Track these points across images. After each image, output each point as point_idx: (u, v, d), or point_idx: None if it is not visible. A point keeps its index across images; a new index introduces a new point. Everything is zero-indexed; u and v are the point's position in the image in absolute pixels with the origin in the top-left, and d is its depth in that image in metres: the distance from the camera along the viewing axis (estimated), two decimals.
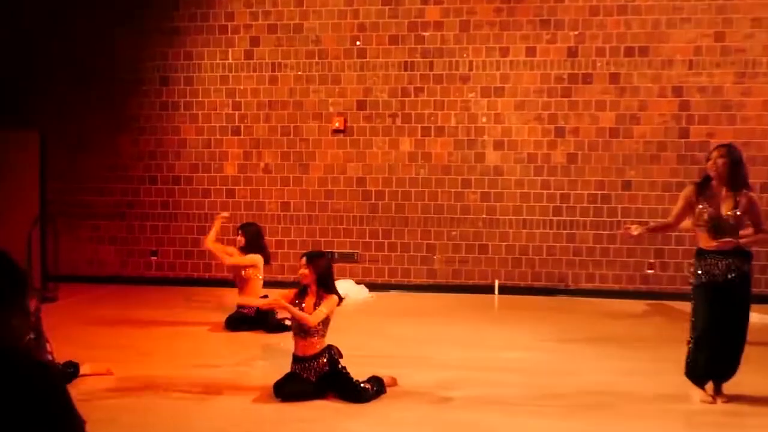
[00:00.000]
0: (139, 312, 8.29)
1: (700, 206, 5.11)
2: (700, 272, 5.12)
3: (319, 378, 5.25)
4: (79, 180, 10.24)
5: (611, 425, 4.80)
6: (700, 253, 5.16)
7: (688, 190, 5.24)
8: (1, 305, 1.91)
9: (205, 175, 10.01)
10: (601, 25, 9.22)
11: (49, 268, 9.74)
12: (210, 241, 7.73)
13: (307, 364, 5.26)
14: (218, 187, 10.00)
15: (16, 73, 10.15)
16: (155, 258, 10.16)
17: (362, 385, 5.23)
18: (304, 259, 5.46)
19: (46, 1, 10.16)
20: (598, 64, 9.25)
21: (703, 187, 5.16)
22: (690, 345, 5.20)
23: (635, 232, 5.49)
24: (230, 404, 5.16)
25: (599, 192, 9.30)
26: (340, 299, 5.49)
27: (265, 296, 7.33)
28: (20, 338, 1.98)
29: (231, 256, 7.67)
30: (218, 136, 9.98)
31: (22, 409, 1.85)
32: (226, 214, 8.17)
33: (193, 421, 4.80)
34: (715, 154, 5.13)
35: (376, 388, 5.29)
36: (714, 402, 5.16)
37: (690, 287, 5.30)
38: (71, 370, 5.52)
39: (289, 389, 5.19)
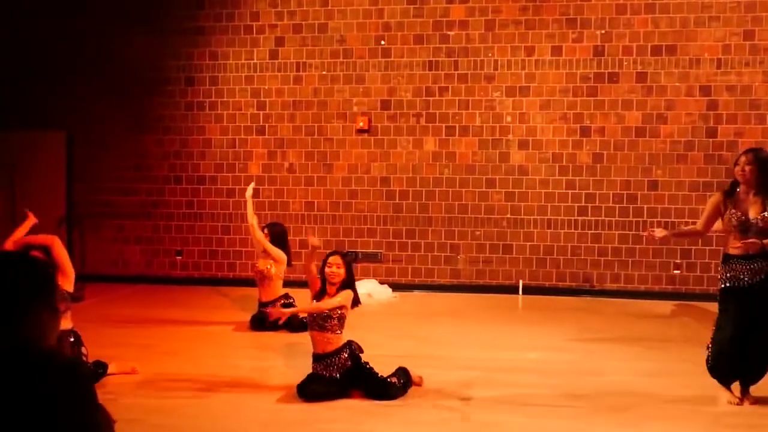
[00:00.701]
0: (164, 312, 8.34)
1: (730, 211, 5.09)
2: (726, 276, 5.09)
3: (342, 374, 5.23)
4: (105, 180, 10.33)
5: (636, 426, 4.74)
6: (726, 258, 5.16)
7: (715, 198, 5.25)
8: (31, 306, 1.93)
9: (230, 174, 10.06)
10: (628, 24, 9.13)
11: (75, 268, 9.82)
12: (251, 216, 7.66)
13: (328, 361, 5.25)
14: (243, 186, 9.99)
15: (42, 75, 10.27)
16: (180, 258, 10.23)
17: (388, 379, 5.22)
18: (338, 258, 5.40)
19: (71, 2, 10.27)
20: (625, 63, 9.16)
21: (731, 193, 5.16)
22: (709, 347, 5.16)
23: (659, 235, 5.49)
24: (254, 404, 5.16)
25: (625, 192, 9.21)
26: (358, 302, 5.46)
27: (285, 295, 7.46)
28: (50, 338, 2.00)
29: (263, 240, 7.64)
30: (243, 136, 10.02)
31: (53, 408, 1.86)
32: (252, 184, 8.06)
33: (218, 422, 4.81)
34: (743, 159, 5.09)
35: (403, 380, 5.29)
36: (741, 403, 5.10)
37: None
38: (101, 371, 5.56)
39: (312, 390, 5.17)
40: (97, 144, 10.30)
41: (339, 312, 5.27)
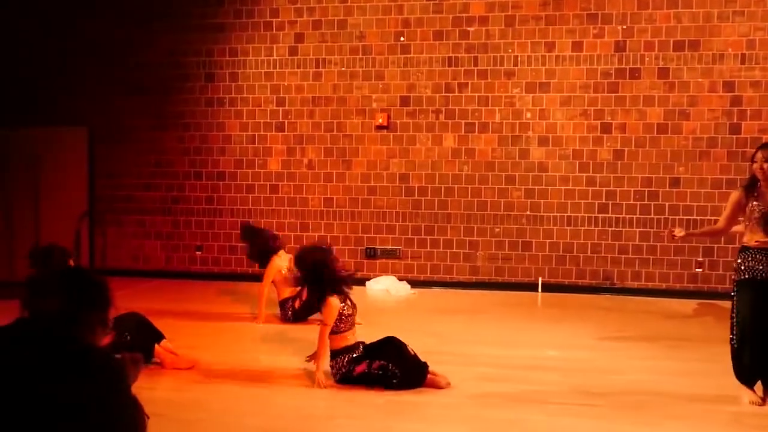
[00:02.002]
0: (184, 306, 8.39)
1: (752, 204, 5.09)
2: (742, 268, 5.08)
3: (342, 377, 5.43)
4: (126, 176, 10.41)
5: (655, 425, 4.69)
6: (744, 249, 5.16)
7: (736, 195, 5.23)
8: (87, 311, 2.30)
9: (249, 170, 10.09)
10: (650, 19, 9.03)
11: (96, 263, 9.93)
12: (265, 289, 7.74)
13: (335, 360, 5.48)
14: (262, 182, 10.07)
15: (65, 72, 10.36)
16: (199, 253, 10.28)
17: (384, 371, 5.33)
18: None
19: (93, 0, 10.36)
20: (647, 59, 9.07)
21: (751, 189, 5.15)
22: (732, 343, 5.14)
23: (679, 234, 5.51)
24: (275, 399, 5.18)
25: (646, 189, 9.13)
26: (338, 292, 5.54)
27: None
28: (99, 340, 2.35)
29: (266, 279, 7.77)
30: (262, 132, 10.04)
31: (95, 399, 2.06)
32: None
33: (240, 417, 4.83)
34: (759, 156, 5.07)
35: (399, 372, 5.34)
36: (763, 404, 5.04)
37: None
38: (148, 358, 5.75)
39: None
40: (119, 140, 10.38)
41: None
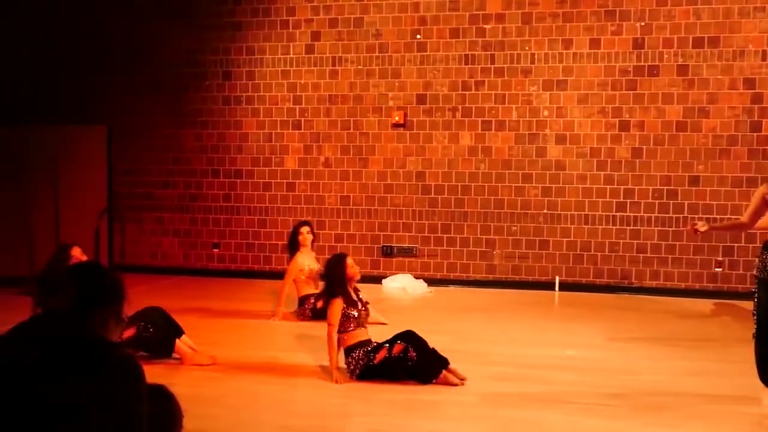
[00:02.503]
0: (202, 303, 8.43)
1: None
2: (765, 265, 4.99)
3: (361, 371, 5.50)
4: (144, 173, 10.48)
5: (674, 427, 4.66)
6: (767, 246, 5.04)
7: (761, 189, 5.18)
8: (99, 305, 2.27)
9: (266, 168, 10.12)
10: (668, 15, 8.96)
11: (115, 259, 10.00)
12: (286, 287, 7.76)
13: (349, 357, 5.57)
14: (279, 180, 10.10)
15: (84, 70, 10.43)
16: (217, 250, 10.33)
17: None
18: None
19: None
20: (665, 56, 8.99)
21: None
22: (756, 343, 5.07)
23: (702, 229, 5.45)
24: (292, 396, 5.20)
25: (665, 187, 9.06)
26: (332, 295, 5.70)
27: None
28: (113, 334, 2.33)
29: (288, 276, 7.81)
30: (279, 130, 10.07)
31: (106, 396, 2.04)
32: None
33: (260, 413, 4.85)
34: None
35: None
36: None
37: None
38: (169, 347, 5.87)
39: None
40: (138, 138, 10.44)
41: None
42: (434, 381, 5.35)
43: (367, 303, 5.76)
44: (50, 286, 2.24)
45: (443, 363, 5.39)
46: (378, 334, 5.82)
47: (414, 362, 5.34)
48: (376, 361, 5.43)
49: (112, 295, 2.32)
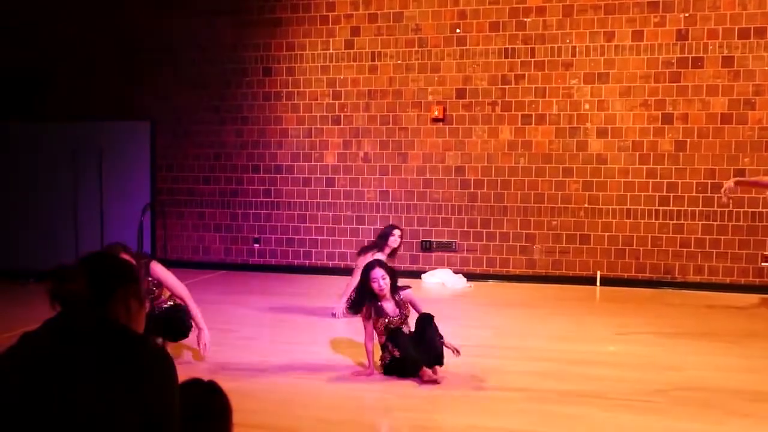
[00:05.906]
0: (242, 298, 8.53)
1: None
2: None
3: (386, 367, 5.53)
4: (187, 169, 10.62)
5: (717, 423, 4.59)
6: None
7: None
8: (119, 293, 2.24)
9: (306, 164, 10.19)
10: (713, 6, 8.80)
11: (158, 254, 10.16)
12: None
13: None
14: (318, 176, 10.16)
15: (128, 66, 10.61)
16: (258, 245, 10.43)
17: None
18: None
19: None
20: (710, 47, 8.84)
21: None
22: None
23: (729, 185, 5.31)
24: (330, 391, 5.23)
25: (709, 181, 8.91)
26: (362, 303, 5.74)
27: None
28: (137, 325, 2.28)
29: (356, 273, 7.78)
30: (319, 126, 10.13)
31: (141, 383, 2.02)
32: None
33: (294, 408, 4.89)
34: None
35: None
36: None
37: None
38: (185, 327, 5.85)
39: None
40: (180, 133, 10.59)
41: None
42: (420, 381, 5.31)
43: (407, 308, 5.68)
44: (63, 275, 2.19)
45: (418, 365, 5.31)
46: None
47: (396, 360, 5.40)
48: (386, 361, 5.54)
49: (123, 274, 2.28)
